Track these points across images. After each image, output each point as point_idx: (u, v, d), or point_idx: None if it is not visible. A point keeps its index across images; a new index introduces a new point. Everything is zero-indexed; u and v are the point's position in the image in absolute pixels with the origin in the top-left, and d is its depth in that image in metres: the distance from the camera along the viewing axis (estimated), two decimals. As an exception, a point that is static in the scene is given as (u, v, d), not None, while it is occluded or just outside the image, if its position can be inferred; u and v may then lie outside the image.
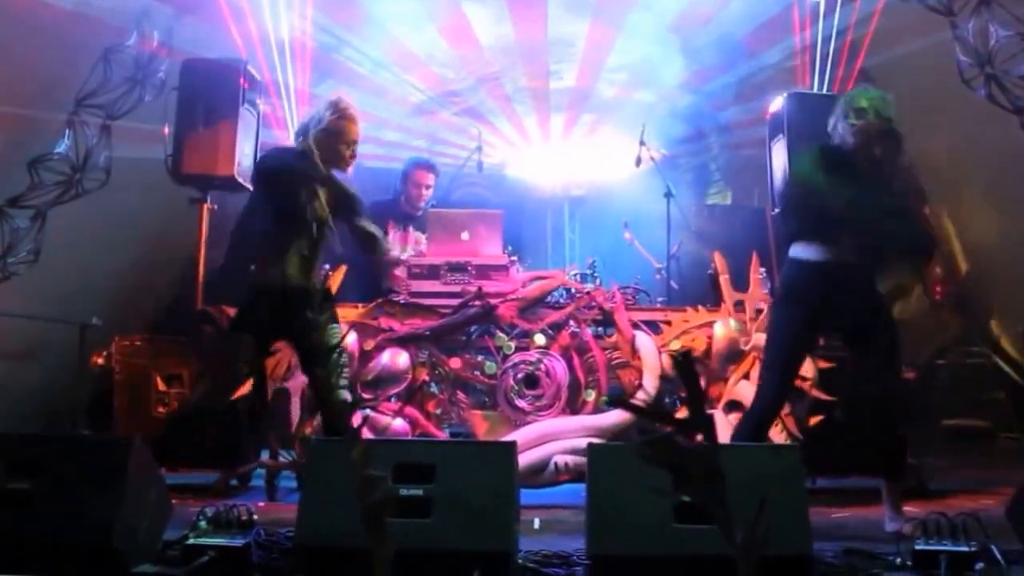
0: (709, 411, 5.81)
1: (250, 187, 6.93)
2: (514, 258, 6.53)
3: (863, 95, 4.98)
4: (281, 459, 6.18)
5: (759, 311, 6.16)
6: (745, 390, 5.95)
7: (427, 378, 6.18)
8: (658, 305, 6.82)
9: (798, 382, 5.89)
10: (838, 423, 5.93)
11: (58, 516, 3.78)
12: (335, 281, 5.92)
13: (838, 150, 4.93)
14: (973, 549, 3.91)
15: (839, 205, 4.73)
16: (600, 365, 6.15)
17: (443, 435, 6.16)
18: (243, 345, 5.13)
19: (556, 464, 5.82)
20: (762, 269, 6.26)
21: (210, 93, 6.86)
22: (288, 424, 6.12)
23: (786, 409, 5.92)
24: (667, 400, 6.12)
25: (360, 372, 6.13)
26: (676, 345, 6.17)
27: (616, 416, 5.97)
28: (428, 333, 6.19)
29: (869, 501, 5.84)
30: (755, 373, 6.03)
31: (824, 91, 7.93)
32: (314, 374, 5.22)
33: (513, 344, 6.20)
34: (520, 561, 3.92)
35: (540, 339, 6.17)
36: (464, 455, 4.07)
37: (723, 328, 6.16)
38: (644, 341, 6.15)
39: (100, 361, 7.26)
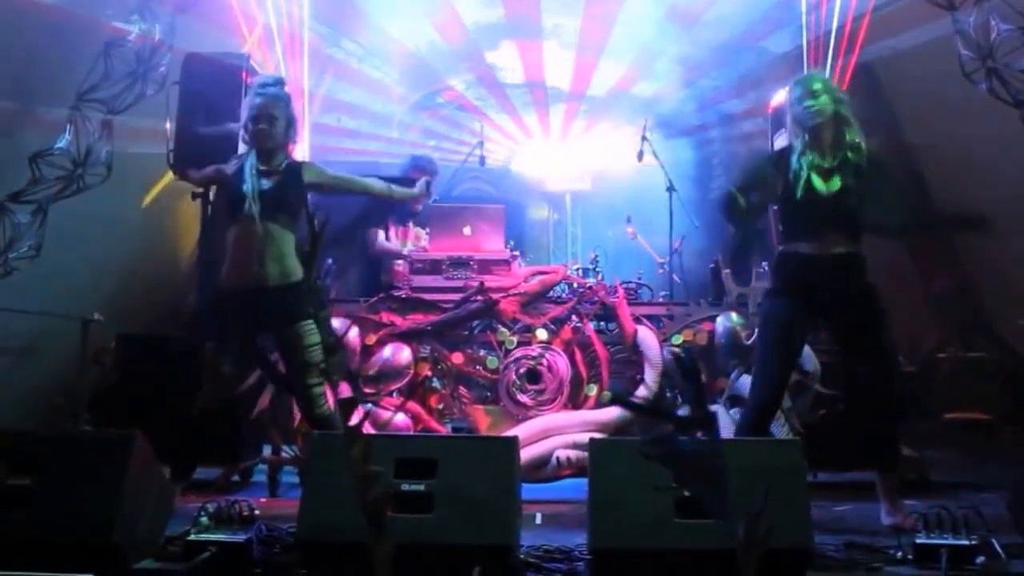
0: (711, 407, 5.83)
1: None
2: (516, 253, 6.54)
3: (817, 78, 5.03)
4: (283, 454, 6.19)
5: (761, 305, 6.16)
6: (747, 385, 5.94)
7: (429, 373, 6.18)
8: (660, 300, 6.82)
9: (800, 376, 5.91)
10: (838, 417, 5.94)
11: (59, 513, 3.78)
12: None
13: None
14: (974, 543, 3.92)
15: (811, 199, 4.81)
16: (602, 360, 6.15)
17: (445, 430, 6.17)
18: (216, 347, 5.14)
19: (558, 459, 5.82)
20: (764, 263, 6.25)
21: (212, 87, 6.86)
22: (290, 419, 6.13)
23: (787, 403, 5.94)
24: (669, 395, 6.11)
25: (362, 367, 6.13)
26: (678, 340, 6.17)
27: (618, 411, 5.97)
28: (430, 328, 6.20)
29: (870, 495, 5.84)
30: (757, 368, 6.04)
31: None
32: (293, 382, 5.24)
33: (515, 339, 6.20)
34: (522, 556, 3.93)
35: (542, 334, 6.17)
36: (465, 450, 4.08)
37: (725, 322, 6.16)
38: (646, 336, 6.14)
39: (102, 358, 7.26)
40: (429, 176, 7.38)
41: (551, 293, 6.38)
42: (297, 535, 3.83)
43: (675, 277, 7.62)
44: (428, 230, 7.14)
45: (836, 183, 4.83)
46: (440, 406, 6.17)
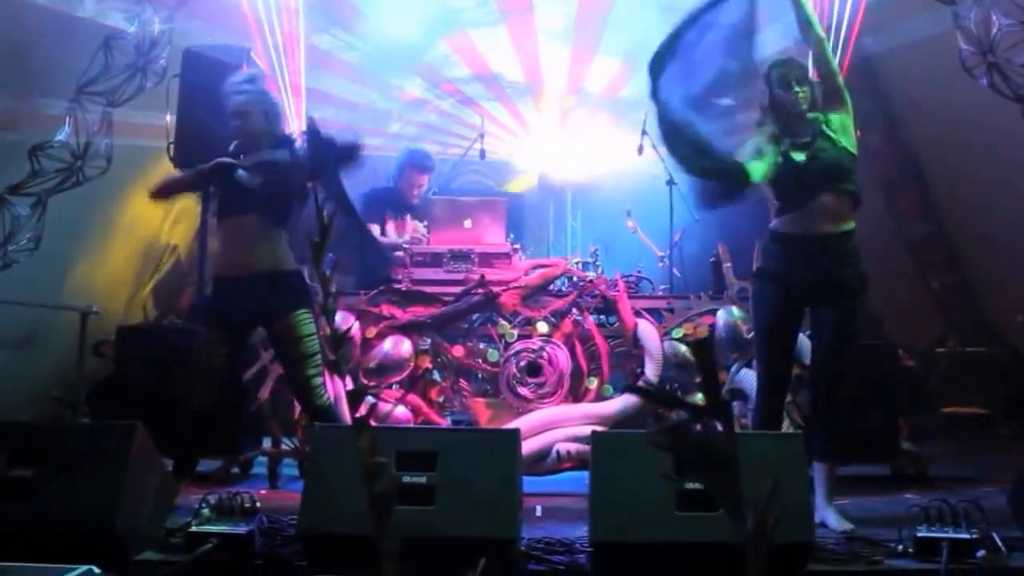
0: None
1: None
2: (517, 246, 6.53)
3: (798, 65, 5.01)
4: (283, 447, 6.20)
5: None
6: (748, 378, 5.95)
7: (429, 366, 6.18)
8: (660, 293, 6.82)
9: (801, 370, 5.90)
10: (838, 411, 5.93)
11: (61, 504, 3.79)
12: None
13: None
14: (975, 536, 3.92)
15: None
16: (602, 353, 6.15)
17: (445, 423, 6.17)
18: (209, 339, 5.13)
19: (558, 452, 5.82)
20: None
21: (212, 80, 6.84)
22: (290, 412, 6.13)
23: (788, 397, 5.94)
24: (668, 388, 6.11)
25: (362, 360, 6.13)
26: (679, 333, 6.17)
27: (619, 404, 5.98)
28: (430, 321, 6.20)
29: (870, 489, 5.87)
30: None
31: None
32: (289, 375, 5.28)
33: (515, 332, 6.20)
34: (523, 548, 3.94)
35: (543, 327, 6.17)
36: (467, 442, 4.08)
37: (726, 316, 6.16)
38: (647, 329, 6.14)
39: (103, 350, 7.27)
40: (428, 172, 7.41)
41: (552, 286, 6.38)
42: (299, 527, 3.83)
43: (675, 271, 7.61)
44: (427, 223, 7.14)
45: (811, 148, 4.85)
46: (440, 399, 6.17)
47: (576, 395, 6.12)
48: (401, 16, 9.12)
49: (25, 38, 6.85)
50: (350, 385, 5.90)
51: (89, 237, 7.60)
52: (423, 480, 3.81)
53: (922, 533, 3.97)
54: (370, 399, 5.93)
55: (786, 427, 5.70)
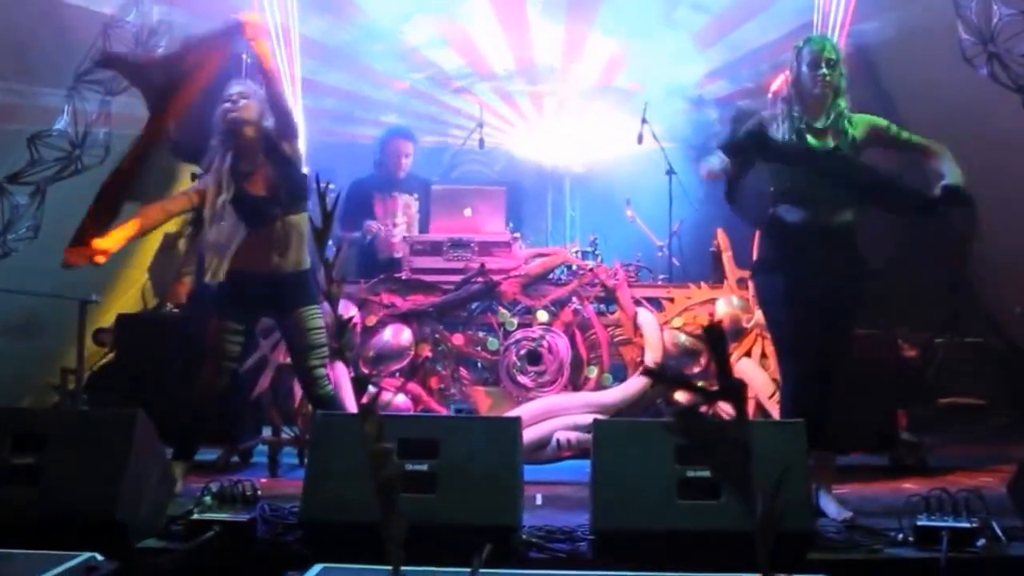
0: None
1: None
2: (517, 235, 6.53)
3: (831, 46, 4.88)
4: (283, 435, 6.20)
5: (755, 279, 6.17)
6: (747, 368, 5.96)
7: (429, 354, 6.18)
8: (660, 282, 6.82)
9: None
10: (837, 400, 5.93)
11: (62, 490, 3.79)
12: None
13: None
14: (975, 525, 3.93)
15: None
16: (602, 342, 6.15)
17: (445, 411, 6.17)
18: (223, 328, 5.14)
19: (558, 440, 5.82)
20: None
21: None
22: (290, 400, 6.13)
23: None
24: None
25: (362, 348, 6.14)
26: (678, 322, 6.17)
27: (619, 393, 5.98)
28: (431, 309, 6.19)
29: (870, 478, 5.88)
30: (757, 351, 6.04)
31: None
32: (295, 364, 5.35)
33: (516, 320, 6.20)
34: (524, 536, 3.94)
35: (543, 316, 6.17)
36: (468, 430, 4.08)
37: (725, 305, 6.17)
38: (646, 318, 6.14)
39: (103, 338, 7.27)
40: (412, 140, 7.37)
41: (552, 275, 6.38)
42: (301, 514, 3.84)
43: (674, 260, 7.62)
44: (418, 196, 7.17)
45: (829, 142, 4.77)
46: (441, 387, 6.17)
47: (576, 384, 6.12)
48: (395, 4, 9.14)
49: (23, 27, 6.83)
50: (347, 373, 5.91)
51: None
52: (425, 468, 3.81)
53: (922, 522, 3.97)
54: (371, 388, 5.93)
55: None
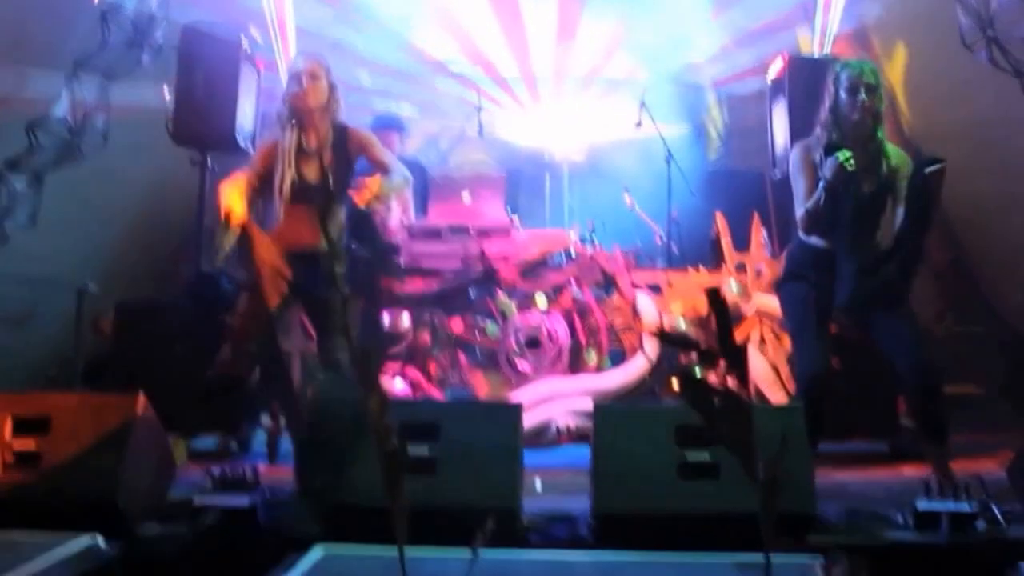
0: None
1: (251, 149, 6.95)
2: (515, 216, 6.52)
3: (871, 70, 4.75)
4: (282, 422, 6.19)
5: (760, 272, 6.17)
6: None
7: (428, 340, 6.18)
8: (659, 267, 6.82)
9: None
10: (837, 387, 5.93)
11: (64, 474, 3.79)
12: None
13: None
14: (974, 509, 3.93)
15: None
16: (601, 327, 6.15)
17: (444, 397, 6.17)
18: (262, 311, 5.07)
19: (557, 426, 5.82)
20: (763, 231, 6.26)
21: (211, 55, 6.85)
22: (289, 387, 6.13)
23: (786, 371, 5.95)
24: (667, 362, 6.12)
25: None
26: (678, 307, 6.17)
27: (618, 377, 5.98)
28: (430, 295, 6.19)
29: (870, 464, 5.88)
30: (756, 336, 6.05)
31: (822, 44, 7.94)
32: (321, 347, 5.23)
33: (514, 306, 6.19)
34: (524, 520, 3.94)
35: (542, 301, 6.17)
36: (469, 414, 4.09)
37: (724, 290, 6.17)
38: (645, 303, 6.14)
39: (102, 326, 7.25)
40: (396, 131, 7.36)
41: (550, 260, 6.37)
42: (302, 497, 3.84)
43: (673, 246, 7.62)
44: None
45: (866, 185, 4.71)
46: (439, 372, 6.17)
47: (575, 368, 6.12)
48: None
49: (21, 13, 6.81)
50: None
51: (86, 213, 7.57)
52: (425, 451, 3.81)
53: (922, 506, 3.98)
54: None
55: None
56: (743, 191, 8.65)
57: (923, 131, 9.08)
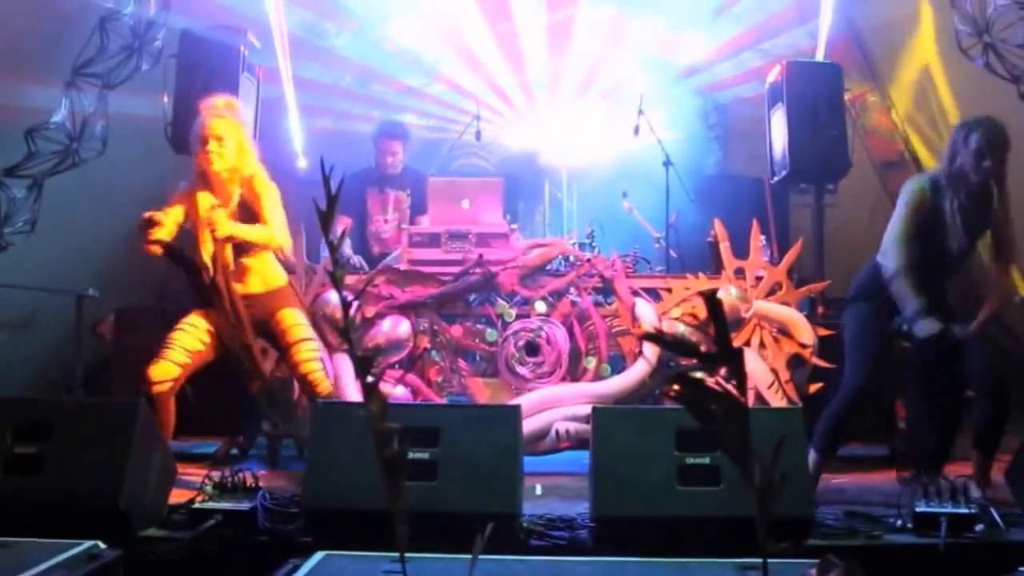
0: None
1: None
2: (515, 226, 6.53)
3: (1002, 132, 4.69)
4: (282, 428, 6.20)
5: (759, 278, 6.17)
6: (746, 357, 5.94)
7: (428, 346, 6.18)
8: (658, 273, 6.83)
9: (799, 349, 5.94)
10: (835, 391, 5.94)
11: (65, 480, 3.80)
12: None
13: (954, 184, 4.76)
14: (973, 511, 3.95)
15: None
16: (600, 333, 6.15)
17: (444, 402, 6.17)
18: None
19: (557, 431, 5.82)
20: (762, 236, 6.27)
21: (210, 61, 6.86)
22: (289, 393, 6.13)
23: (785, 376, 5.97)
24: (667, 367, 6.12)
25: (361, 339, 6.13)
26: (676, 312, 6.17)
27: (617, 383, 5.98)
28: (429, 301, 6.19)
29: (868, 468, 5.90)
30: (756, 340, 6.06)
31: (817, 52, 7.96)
32: (289, 362, 5.29)
33: (514, 311, 6.20)
34: (524, 524, 3.95)
35: (541, 306, 6.17)
36: (469, 418, 4.09)
37: (723, 295, 6.16)
38: (644, 308, 6.15)
39: (102, 330, 7.27)
40: (399, 139, 7.39)
41: (549, 266, 6.38)
42: (302, 503, 3.85)
43: (671, 252, 7.63)
44: (409, 190, 7.28)
45: (967, 246, 4.81)
46: (439, 379, 6.17)
47: (574, 374, 6.13)
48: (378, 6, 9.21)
49: (21, 20, 6.83)
50: (347, 364, 5.92)
51: (85, 219, 7.58)
52: (426, 456, 3.82)
53: (921, 508, 4.00)
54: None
55: (782, 404, 5.75)
56: (742, 197, 8.67)
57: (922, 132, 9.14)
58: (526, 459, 4.21)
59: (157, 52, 7.10)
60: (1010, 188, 4.74)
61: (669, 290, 6.30)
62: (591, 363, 6.13)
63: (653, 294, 6.32)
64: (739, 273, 6.23)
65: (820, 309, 6.72)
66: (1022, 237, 5.00)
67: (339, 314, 5.91)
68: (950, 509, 3.95)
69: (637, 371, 5.98)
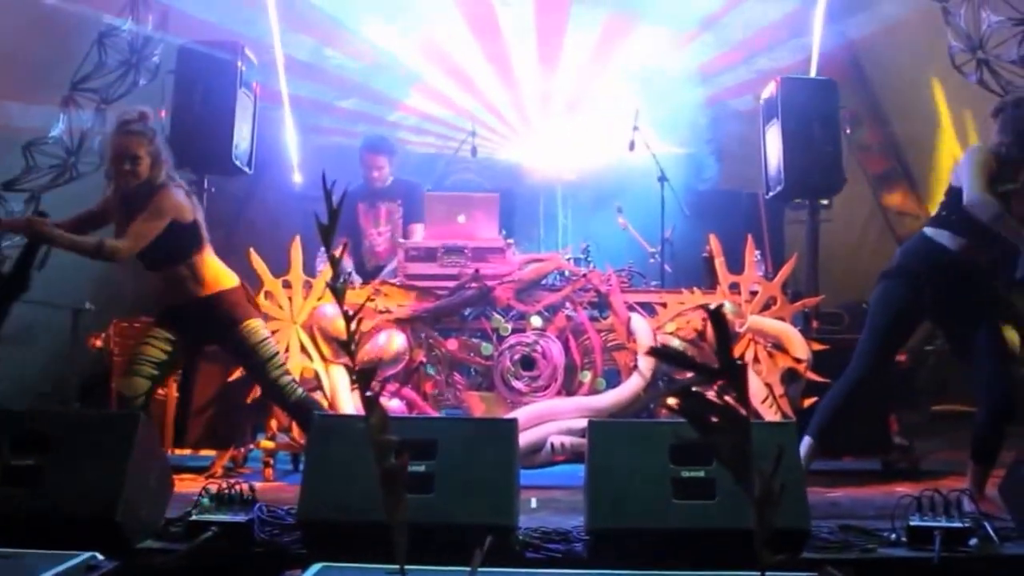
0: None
1: (248, 170, 7.01)
2: (510, 241, 6.55)
3: None
4: (277, 441, 6.21)
5: (754, 293, 6.20)
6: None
7: (424, 359, 6.20)
8: (653, 287, 6.85)
9: (793, 364, 5.96)
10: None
11: (63, 492, 3.80)
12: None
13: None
14: (967, 525, 3.96)
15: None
16: (596, 347, 6.17)
17: (441, 415, 6.18)
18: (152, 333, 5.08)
19: (552, 445, 5.83)
20: (757, 252, 6.29)
21: (207, 76, 6.89)
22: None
23: (779, 390, 5.99)
24: (661, 382, 6.14)
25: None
26: (671, 327, 6.19)
27: (612, 397, 6.00)
28: (425, 315, 6.21)
29: (862, 482, 5.91)
30: (750, 355, 6.08)
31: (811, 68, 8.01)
32: (258, 380, 5.36)
33: (509, 326, 6.21)
34: (520, 536, 3.96)
35: (536, 321, 6.19)
36: (466, 431, 4.10)
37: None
38: (639, 323, 6.16)
39: (99, 343, 7.26)
40: (383, 154, 7.41)
41: (545, 281, 6.40)
42: (299, 515, 3.85)
43: (666, 267, 7.66)
44: (400, 201, 7.31)
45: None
46: (435, 392, 6.19)
47: (569, 389, 6.14)
48: (372, 23, 9.23)
49: (19, 36, 6.85)
50: (344, 379, 5.93)
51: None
52: (422, 469, 3.83)
53: (915, 522, 4.00)
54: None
55: (776, 418, 5.76)
56: (737, 212, 8.72)
57: (914, 147, 9.16)
58: (521, 473, 4.22)
59: (155, 68, 7.14)
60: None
61: (664, 305, 6.32)
62: (586, 377, 6.14)
63: (648, 308, 6.34)
64: (734, 288, 6.25)
65: (814, 323, 6.75)
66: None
67: (334, 327, 5.95)
68: (944, 523, 3.96)
69: (632, 385, 6.00)
